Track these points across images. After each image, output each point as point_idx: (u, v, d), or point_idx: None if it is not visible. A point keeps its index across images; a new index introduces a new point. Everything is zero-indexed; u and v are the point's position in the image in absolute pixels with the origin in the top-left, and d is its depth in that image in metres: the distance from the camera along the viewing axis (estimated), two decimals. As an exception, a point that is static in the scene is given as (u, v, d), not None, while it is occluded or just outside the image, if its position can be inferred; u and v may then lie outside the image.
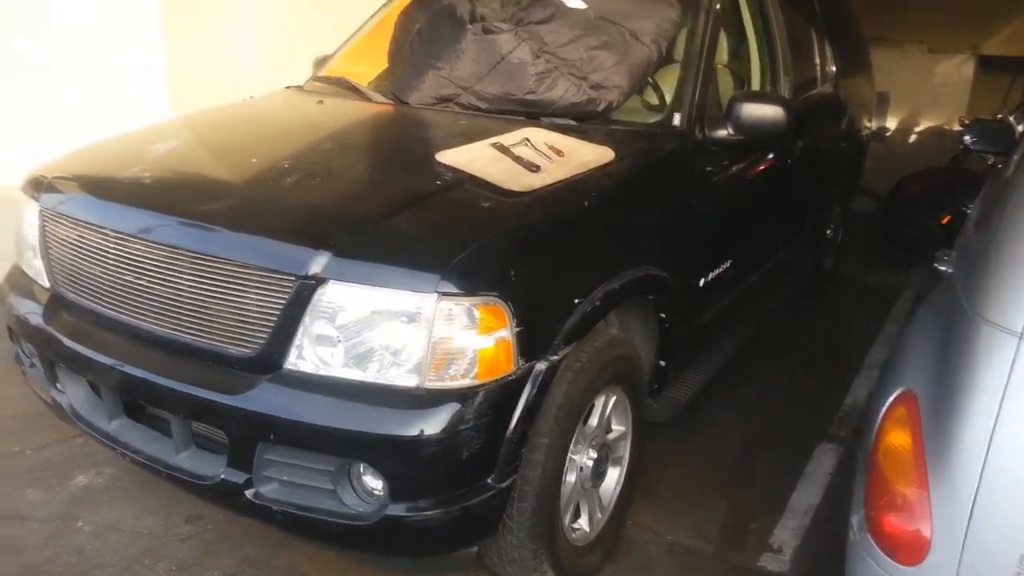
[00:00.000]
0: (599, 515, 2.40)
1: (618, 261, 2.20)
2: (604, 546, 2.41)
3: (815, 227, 4.38)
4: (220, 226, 1.95)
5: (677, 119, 2.66)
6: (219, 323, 1.91)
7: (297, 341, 1.82)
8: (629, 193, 2.32)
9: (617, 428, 2.41)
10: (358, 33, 3.52)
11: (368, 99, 2.91)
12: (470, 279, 1.78)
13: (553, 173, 2.15)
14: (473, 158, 2.17)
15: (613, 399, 2.34)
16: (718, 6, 2.92)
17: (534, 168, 2.15)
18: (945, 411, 1.54)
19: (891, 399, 1.74)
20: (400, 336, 1.78)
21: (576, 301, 2.01)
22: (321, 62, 3.51)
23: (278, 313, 1.82)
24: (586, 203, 2.12)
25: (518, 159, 2.19)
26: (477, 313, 1.77)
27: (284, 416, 1.81)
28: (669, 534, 2.60)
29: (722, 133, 2.74)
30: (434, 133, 2.56)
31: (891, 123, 6.35)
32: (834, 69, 4.41)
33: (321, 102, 2.87)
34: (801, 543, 2.59)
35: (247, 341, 1.87)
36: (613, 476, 2.44)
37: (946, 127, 6.24)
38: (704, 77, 2.76)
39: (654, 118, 2.72)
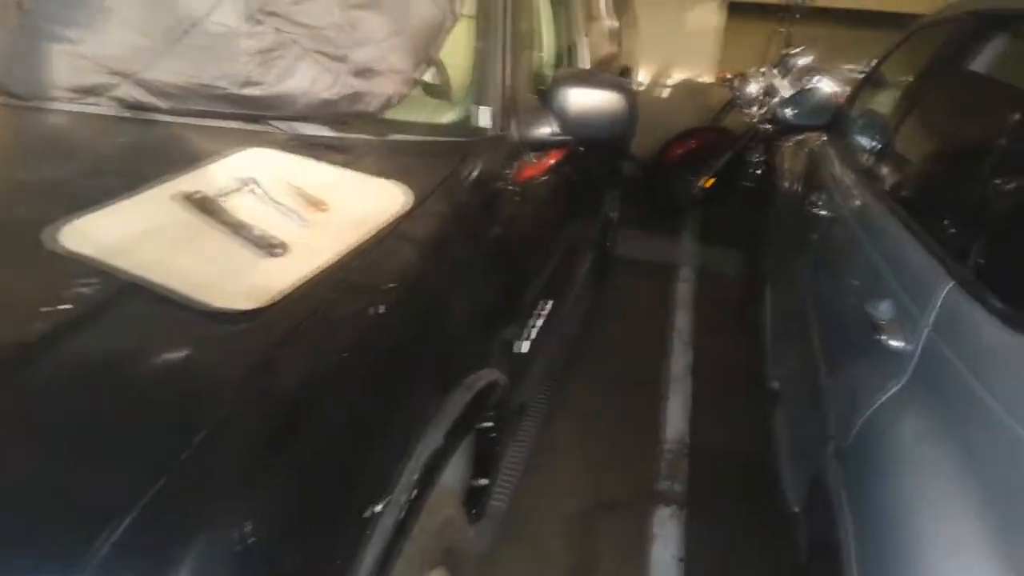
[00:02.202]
0: None
1: (442, 390, 1.28)
2: None
3: (606, 212, 3.74)
4: None
5: (485, 116, 1.74)
6: None
7: None
8: (447, 262, 1.37)
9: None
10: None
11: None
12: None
13: (309, 254, 1.14)
14: (136, 236, 1.09)
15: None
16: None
17: (273, 248, 1.13)
18: None
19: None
20: None
21: (378, 509, 1.06)
22: None
23: None
24: (381, 309, 1.14)
25: (238, 229, 1.14)
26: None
27: None
28: None
29: (544, 131, 1.88)
30: (60, 170, 1.35)
31: (643, 77, 5.92)
32: (616, 24, 3.73)
33: None
34: None
35: None
36: None
37: (699, 80, 5.96)
38: (515, 48, 1.86)
39: (448, 115, 1.77)
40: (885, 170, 2.11)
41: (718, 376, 3.38)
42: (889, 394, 1.44)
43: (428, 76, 1.87)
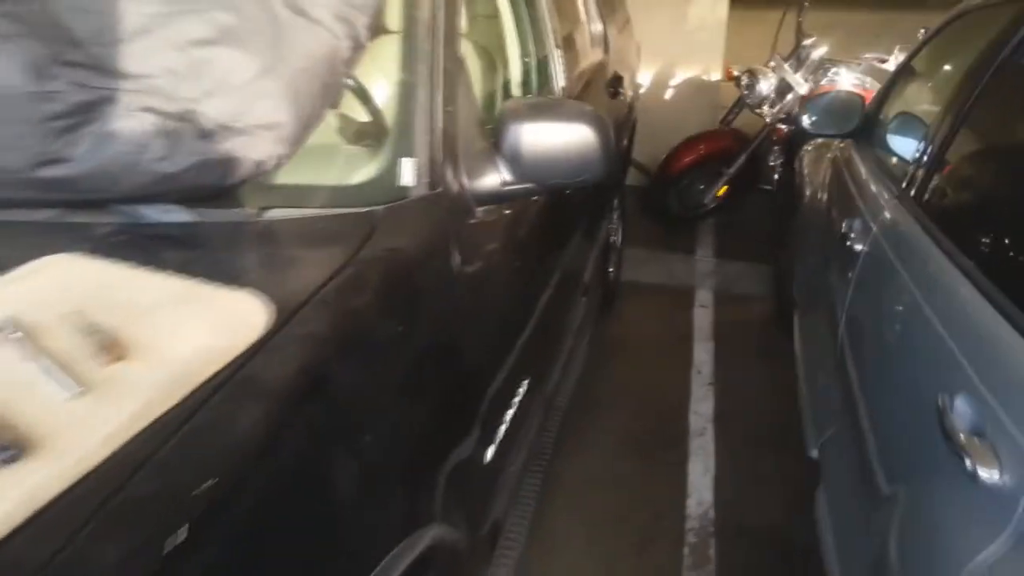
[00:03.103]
0: None
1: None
2: None
3: (604, 240, 3.29)
4: None
5: (408, 170, 1.32)
6: None
7: None
8: (331, 405, 0.95)
9: None
10: None
11: None
12: None
13: (68, 450, 0.72)
14: None
15: None
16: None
17: (6, 454, 0.71)
18: None
19: None
20: None
21: None
22: None
23: None
24: (182, 535, 0.71)
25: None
26: None
27: None
28: None
29: (493, 182, 1.45)
30: None
31: (644, 78, 5.47)
32: (601, 27, 3.29)
33: None
34: None
35: None
36: None
37: (706, 78, 5.50)
38: (453, 74, 1.44)
39: (363, 172, 1.34)
40: (938, 200, 1.66)
41: (746, 426, 2.93)
42: (985, 556, 0.99)
43: (363, 115, 1.45)
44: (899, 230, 1.72)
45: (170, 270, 0.97)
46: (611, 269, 3.73)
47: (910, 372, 1.41)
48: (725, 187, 4.71)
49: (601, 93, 2.99)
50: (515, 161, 1.43)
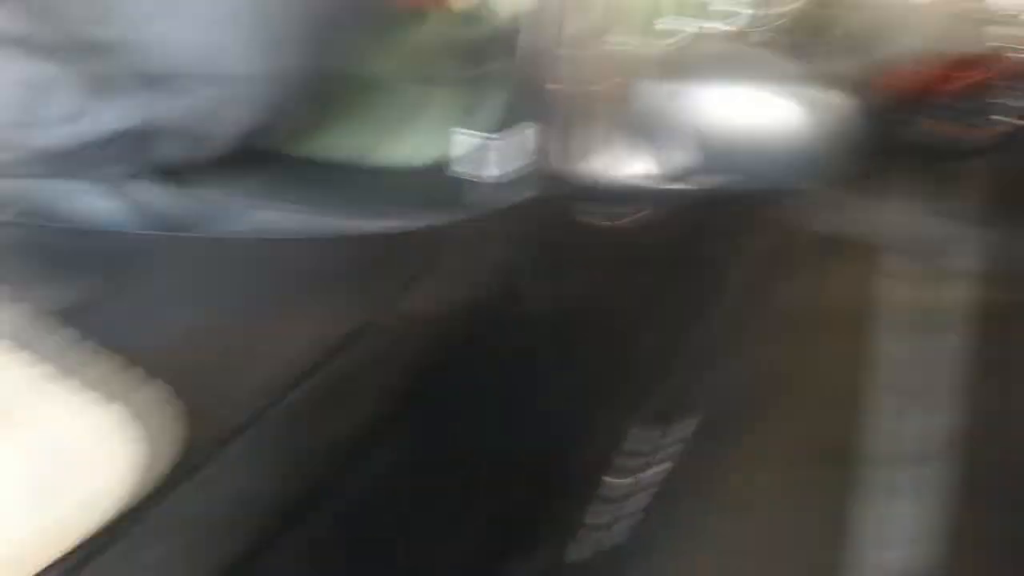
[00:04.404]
0: None
1: None
2: None
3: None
4: None
5: (504, 154, 0.81)
6: None
7: None
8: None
9: None
10: None
11: None
12: None
13: None
14: None
15: None
16: None
17: None
18: None
19: None
20: None
21: None
22: None
23: None
24: None
25: None
26: None
27: None
28: None
29: (642, 169, 0.91)
30: None
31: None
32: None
33: None
34: None
35: None
36: None
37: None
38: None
39: (403, 149, 0.84)
40: None
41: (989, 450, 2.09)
42: None
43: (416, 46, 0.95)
44: None
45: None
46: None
47: None
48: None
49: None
50: (691, 142, 0.88)
